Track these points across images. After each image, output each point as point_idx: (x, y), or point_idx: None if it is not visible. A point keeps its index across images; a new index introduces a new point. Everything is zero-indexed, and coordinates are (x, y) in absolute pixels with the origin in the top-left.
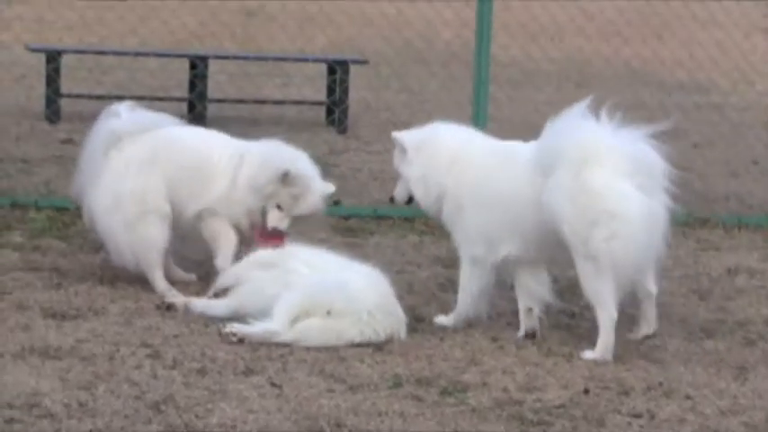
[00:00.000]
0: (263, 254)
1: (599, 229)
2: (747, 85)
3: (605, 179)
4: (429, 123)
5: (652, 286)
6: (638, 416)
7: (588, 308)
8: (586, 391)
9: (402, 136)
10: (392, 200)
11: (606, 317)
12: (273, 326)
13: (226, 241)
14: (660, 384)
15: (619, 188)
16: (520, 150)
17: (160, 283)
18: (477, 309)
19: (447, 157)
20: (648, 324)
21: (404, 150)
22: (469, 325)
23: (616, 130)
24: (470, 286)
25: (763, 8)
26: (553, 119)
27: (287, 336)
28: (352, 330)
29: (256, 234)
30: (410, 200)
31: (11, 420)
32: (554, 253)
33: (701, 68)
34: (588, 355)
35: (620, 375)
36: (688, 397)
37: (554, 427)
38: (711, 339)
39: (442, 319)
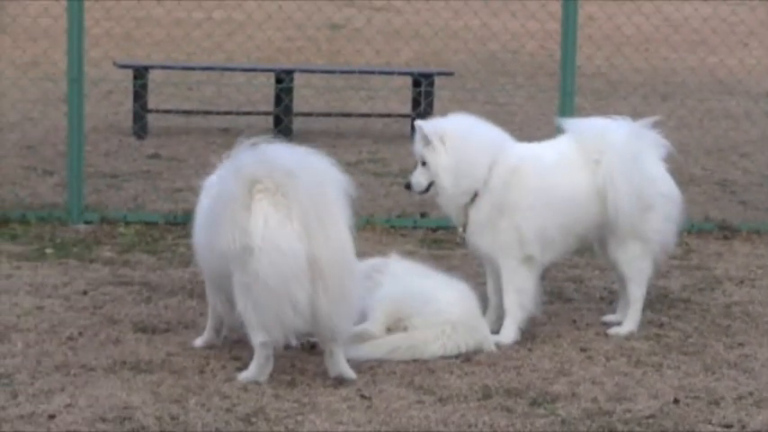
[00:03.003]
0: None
1: (655, 212)
2: None
3: (656, 166)
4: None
5: None
6: (728, 426)
7: (678, 317)
8: (676, 402)
9: (425, 125)
10: (408, 186)
11: (641, 294)
12: (370, 326)
13: None
14: (750, 394)
15: (666, 175)
16: (563, 150)
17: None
18: (535, 309)
19: (486, 155)
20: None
21: (427, 139)
22: (558, 335)
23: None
24: (527, 286)
25: None
26: (565, 118)
27: (376, 352)
28: (434, 345)
29: None
30: (427, 189)
31: None
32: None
33: None
34: (619, 330)
35: (710, 385)
36: None
37: None
38: None
39: (498, 338)
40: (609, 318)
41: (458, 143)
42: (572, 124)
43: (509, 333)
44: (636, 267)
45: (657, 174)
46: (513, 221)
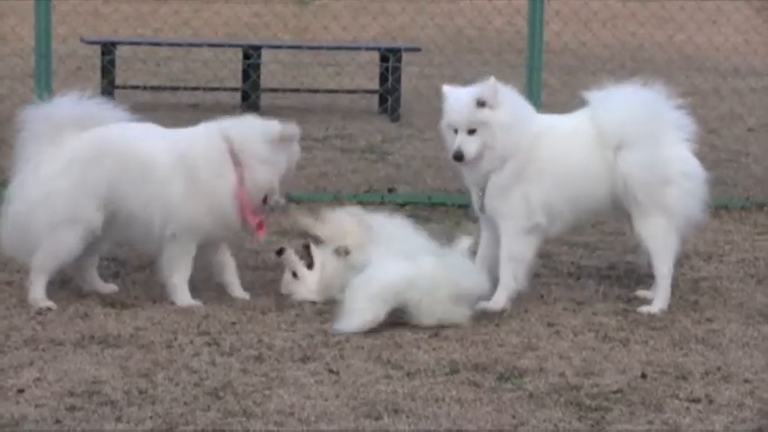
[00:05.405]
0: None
1: (675, 187)
2: None
3: (675, 146)
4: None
5: None
6: (696, 401)
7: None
8: (644, 376)
9: (484, 87)
10: (460, 157)
11: (667, 270)
12: None
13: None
14: (718, 369)
15: (686, 153)
16: (579, 124)
17: (38, 290)
18: (527, 279)
19: (530, 121)
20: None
21: (495, 93)
22: (525, 310)
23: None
24: (525, 256)
25: None
26: (597, 92)
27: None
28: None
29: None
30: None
31: (72, 408)
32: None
33: (755, 53)
34: (649, 309)
35: (678, 360)
36: (746, 381)
37: (611, 413)
38: None
39: (489, 305)
40: None
41: (514, 105)
42: (596, 98)
43: (498, 298)
44: (660, 242)
45: (678, 153)
46: (524, 190)
